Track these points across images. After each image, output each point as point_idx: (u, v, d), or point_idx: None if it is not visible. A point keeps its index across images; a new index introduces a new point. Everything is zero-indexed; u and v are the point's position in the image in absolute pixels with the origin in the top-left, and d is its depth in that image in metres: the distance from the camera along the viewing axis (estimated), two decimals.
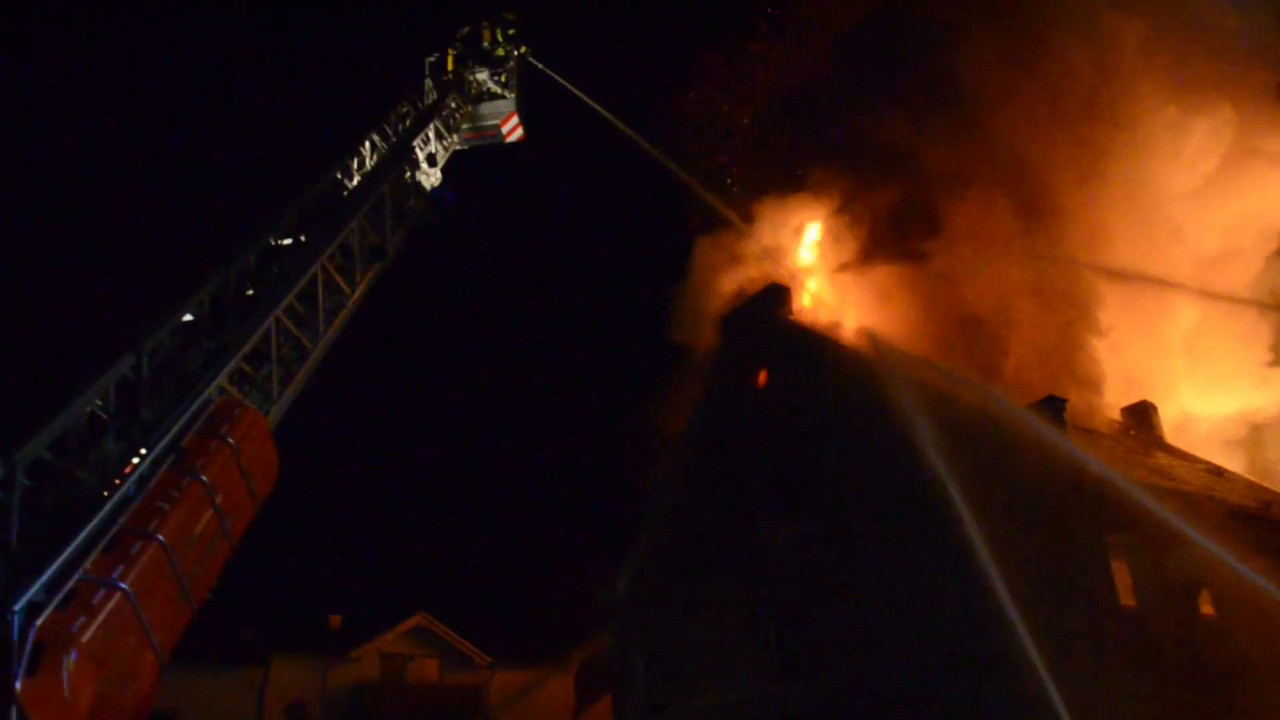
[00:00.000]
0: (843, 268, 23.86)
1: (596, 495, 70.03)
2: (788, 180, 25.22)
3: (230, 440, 8.68)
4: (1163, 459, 23.04)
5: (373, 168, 14.71)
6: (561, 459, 73.34)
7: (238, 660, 30.80)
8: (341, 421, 70.68)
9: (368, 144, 14.96)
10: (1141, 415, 24.96)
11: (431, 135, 16.41)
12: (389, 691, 33.65)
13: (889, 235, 23.83)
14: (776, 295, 21.70)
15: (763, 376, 21.22)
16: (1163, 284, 27.16)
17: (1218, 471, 24.51)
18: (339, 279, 12.17)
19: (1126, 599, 16.40)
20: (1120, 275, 26.07)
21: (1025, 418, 16.00)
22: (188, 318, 10.08)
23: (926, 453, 16.73)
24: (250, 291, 11.16)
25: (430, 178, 16.19)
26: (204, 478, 8.24)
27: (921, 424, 16.83)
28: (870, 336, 19.26)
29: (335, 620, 36.37)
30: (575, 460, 70.23)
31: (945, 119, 24.58)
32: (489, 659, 35.36)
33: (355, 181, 14.28)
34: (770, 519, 20.37)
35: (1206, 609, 17.60)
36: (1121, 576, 16.39)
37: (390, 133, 15.78)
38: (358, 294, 12.53)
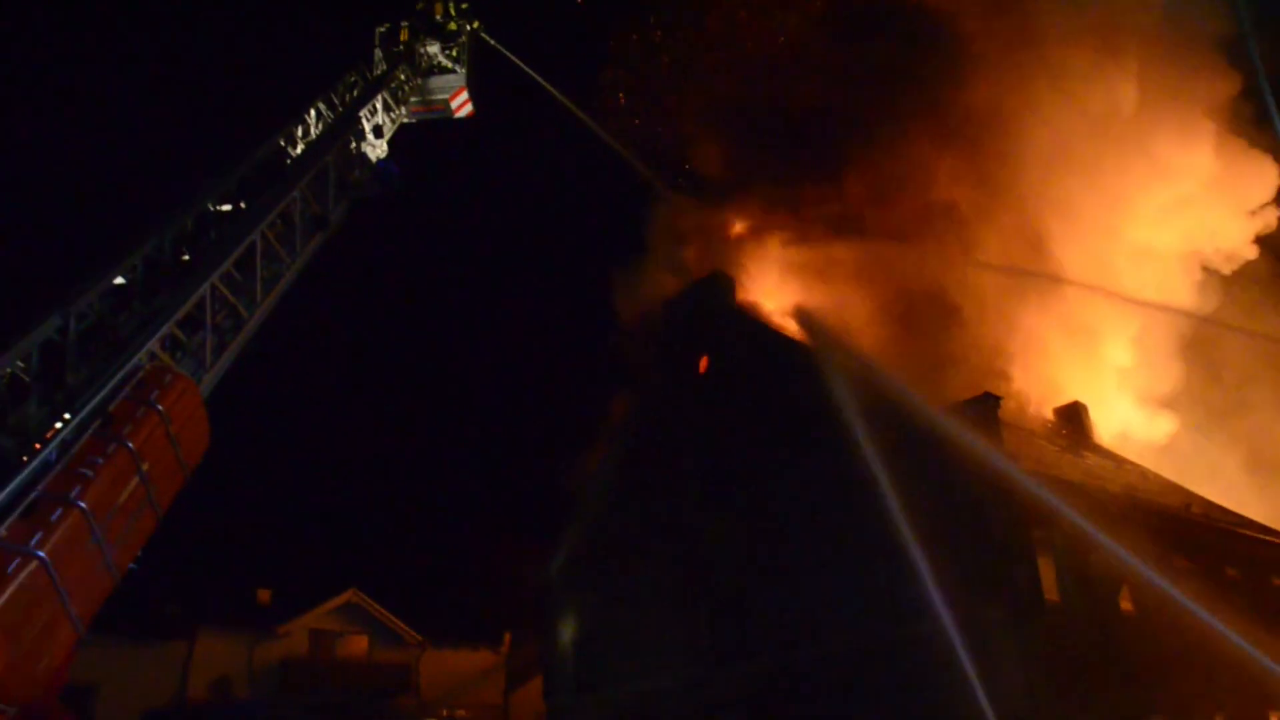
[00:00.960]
0: (790, 259, 24.02)
1: (533, 477, 69.96)
2: (740, 170, 25.34)
3: (159, 407, 8.47)
4: (1091, 459, 23.60)
5: (317, 137, 14.48)
6: (498, 440, 73.09)
7: (161, 633, 30.14)
8: (276, 392, 69.52)
9: (313, 112, 14.72)
10: (1073, 416, 25.53)
11: (379, 107, 16.19)
12: (317, 668, 33.24)
13: (838, 230, 24.06)
14: (720, 283, 21.78)
15: (704, 363, 21.31)
16: (1103, 291, 27.80)
17: (1142, 473, 25.21)
18: (279, 248, 11.96)
19: (1050, 594, 16.76)
20: (1064, 281, 26.64)
21: (957, 414, 16.23)
22: (119, 281, 9.83)
23: (859, 445, 16.97)
24: (186, 257, 10.94)
25: (376, 150, 15.99)
26: (130, 444, 8.02)
27: (855, 417, 17.05)
28: (807, 323, 19.42)
29: (264, 595, 35.78)
30: (511, 441, 70.01)
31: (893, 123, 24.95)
32: (420, 637, 35.11)
33: (299, 150, 14.05)
34: (707, 506, 20.51)
35: (1126, 605, 18.08)
36: (1046, 572, 16.74)
37: (337, 102, 15.55)
38: (297, 264, 12.33)
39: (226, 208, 11.99)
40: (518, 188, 79.20)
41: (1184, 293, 29.39)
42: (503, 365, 74.62)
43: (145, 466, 8.20)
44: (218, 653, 31.04)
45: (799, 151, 25.03)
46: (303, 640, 33.58)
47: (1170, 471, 26.66)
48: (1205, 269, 29.52)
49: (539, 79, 21.13)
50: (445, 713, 32.91)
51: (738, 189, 24.49)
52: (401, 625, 35.15)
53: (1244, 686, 18.10)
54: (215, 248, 10.98)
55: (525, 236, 76.01)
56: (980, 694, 15.06)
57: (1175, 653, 17.31)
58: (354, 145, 15.08)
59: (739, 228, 24.58)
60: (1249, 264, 30.12)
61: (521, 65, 20.49)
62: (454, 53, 18.22)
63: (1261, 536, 23.83)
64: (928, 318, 22.66)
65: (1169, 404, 29.34)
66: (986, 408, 16.43)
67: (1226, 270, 29.75)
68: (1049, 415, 25.24)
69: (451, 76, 18.18)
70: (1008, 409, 17.45)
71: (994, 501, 15.54)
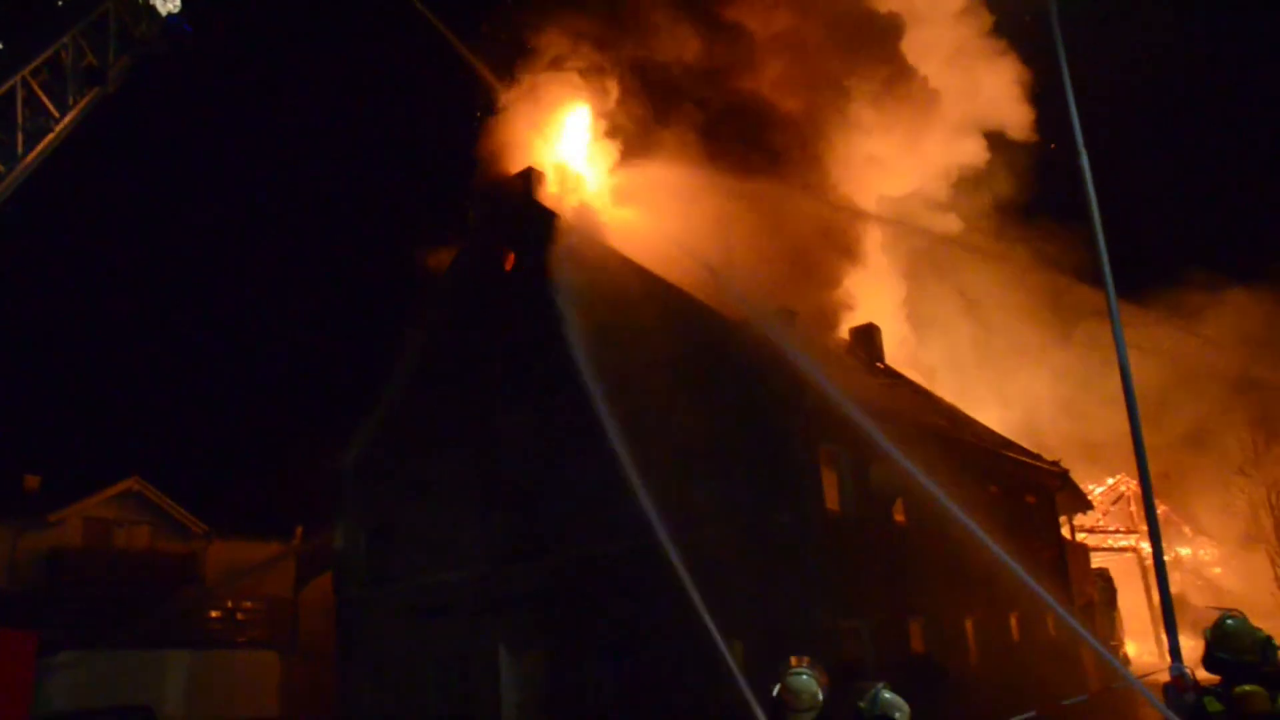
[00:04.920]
0: (612, 162, 23.78)
1: (329, 364, 67.90)
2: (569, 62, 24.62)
3: None
4: (879, 379, 24.89)
5: None
6: (294, 324, 70.38)
7: None
8: (55, 263, 64.25)
9: None
10: (867, 337, 26.78)
11: None
12: (92, 558, 31.49)
13: (662, 139, 23.90)
14: (529, 179, 21.36)
15: (510, 259, 20.97)
16: (908, 226, 29.05)
17: (925, 394, 26.85)
18: (45, 99, 10.78)
19: (831, 504, 17.70)
20: (874, 216, 27.64)
21: (754, 325, 16.60)
22: None
23: (654, 352, 17.20)
24: None
25: (168, 3, 14.56)
26: None
27: (652, 325, 17.23)
28: (589, 222, 19.41)
29: (32, 481, 33.52)
30: (308, 325, 67.52)
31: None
32: (206, 528, 33.80)
33: None
34: (505, 403, 20.42)
35: (899, 516, 19.34)
36: (829, 483, 17.64)
37: None
38: (68, 120, 11.16)
39: None
40: (333, 59, 75.06)
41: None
42: (306, 247, 71.48)
43: None
44: None
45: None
46: (77, 529, 31.70)
47: (948, 394, 28.56)
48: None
49: None
50: (231, 604, 31.96)
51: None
52: (186, 515, 33.73)
53: (993, 592, 19.85)
54: None
55: (339, 113, 72.29)
56: (760, 595, 15.85)
57: (938, 561, 18.73)
58: None
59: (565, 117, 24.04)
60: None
61: None
62: None
63: (1020, 458, 25.96)
64: (739, 236, 23.03)
65: (950, 333, 31.34)
66: (783, 322, 16.90)
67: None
68: (844, 335, 26.37)
69: None
70: (804, 324, 18.02)
71: (784, 414, 16.11)
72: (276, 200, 77.34)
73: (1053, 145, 31.67)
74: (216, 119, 74.58)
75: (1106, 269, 11.14)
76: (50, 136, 10.72)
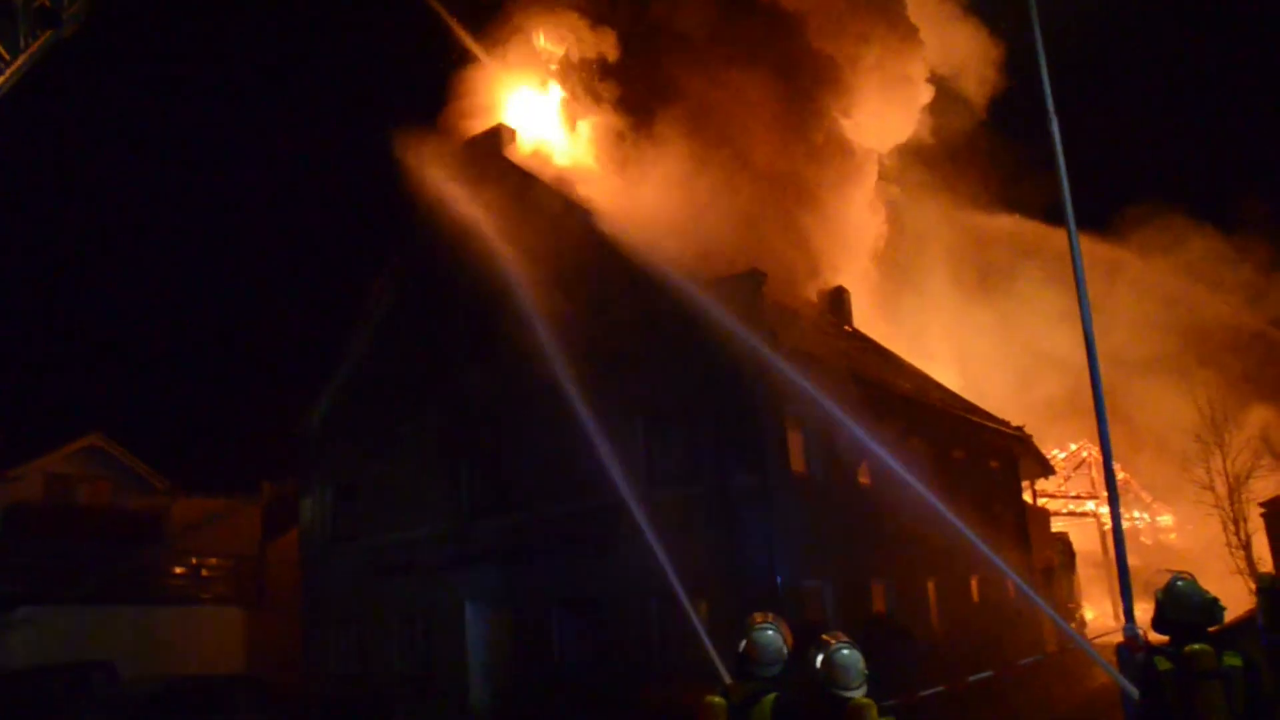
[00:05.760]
0: (582, 120, 23.52)
1: (295, 322, 67.29)
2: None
3: None
4: (848, 343, 24.95)
5: None
6: (260, 280, 69.62)
7: None
8: (16, 216, 63.01)
9: None
10: (836, 299, 26.82)
11: None
12: (53, 514, 31.16)
13: (634, 100, 23.65)
14: (499, 136, 21.11)
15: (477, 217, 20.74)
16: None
17: (892, 358, 26.97)
18: None
19: (797, 466, 17.79)
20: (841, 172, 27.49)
21: (722, 289, 16.53)
22: None
23: (621, 311, 17.12)
24: None
25: None
26: None
27: (619, 284, 17.13)
28: (556, 181, 19.24)
29: None
30: (275, 282, 66.81)
31: None
32: (170, 484, 33.52)
33: None
34: (471, 361, 20.31)
35: (864, 479, 19.47)
36: (795, 445, 17.72)
37: None
38: (18, 64, 10.80)
39: None
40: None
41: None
42: (273, 203, 70.52)
43: None
44: None
45: None
46: (37, 485, 31.35)
47: (916, 359, 28.71)
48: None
49: None
50: (195, 561, 31.78)
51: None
52: (150, 471, 33.40)
53: (954, 556, 20.09)
54: None
55: (311, 64, 71.05)
56: (725, 555, 15.94)
57: (902, 524, 18.90)
58: None
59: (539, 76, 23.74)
60: None
61: None
62: None
63: (985, 423, 26.19)
64: (709, 198, 22.89)
65: (919, 294, 31.48)
66: (752, 283, 16.85)
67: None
68: (814, 297, 26.38)
69: None
70: (774, 287, 17.98)
71: (751, 376, 16.12)
72: (242, 154, 76.06)
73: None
74: (177, 66, 73.09)
75: (1074, 243, 11.11)
76: (0, 79, 10.40)
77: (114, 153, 72.43)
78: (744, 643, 5.81)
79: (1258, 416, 34.95)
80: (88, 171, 70.38)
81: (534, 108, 23.21)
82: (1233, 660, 5.47)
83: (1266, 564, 29.14)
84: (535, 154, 21.65)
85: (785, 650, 5.82)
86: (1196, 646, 5.53)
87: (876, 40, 27.73)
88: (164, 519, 33.20)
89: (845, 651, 5.66)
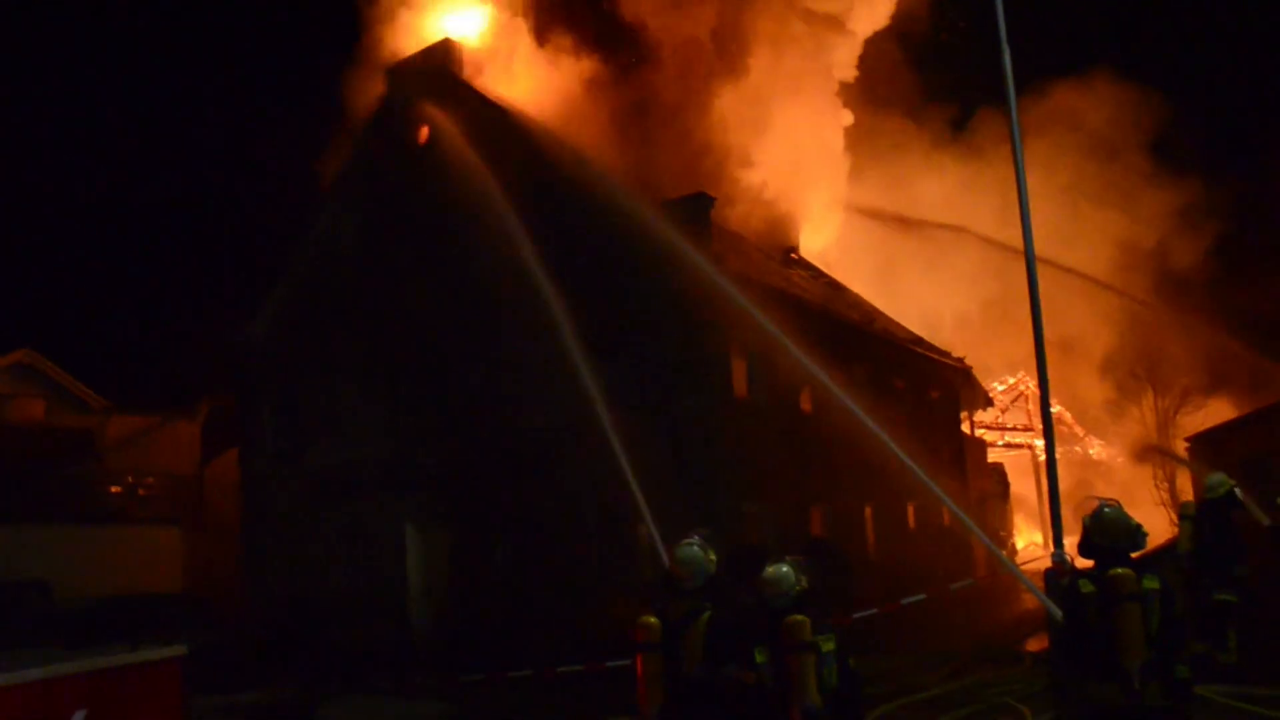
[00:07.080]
0: (535, 40, 23.03)
1: (236, 235, 65.68)
2: None
3: None
4: (793, 270, 25.01)
5: None
6: (199, 190, 67.71)
7: None
8: None
9: None
10: (784, 226, 26.77)
11: None
12: None
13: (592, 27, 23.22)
14: (446, 51, 20.55)
15: (424, 133, 20.26)
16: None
17: (836, 286, 27.10)
18: None
19: (740, 390, 17.89)
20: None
21: (670, 211, 16.39)
22: None
23: (568, 234, 16.92)
24: None
25: None
26: None
27: (568, 205, 16.89)
28: (503, 97, 18.85)
29: None
30: (214, 193, 65.00)
31: None
32: (105, 402, 32.89)
33: None
34: (415, 280, 19.98)
35: (805, 405, 19.67)
36: (738, 370, 17.80)
37: None
38: None
39: None
40: None
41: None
42: (216, 114, 68.30)
43: None
44: None
45: None
46: None
47: (860, 287, 28.87)
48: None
49: None
50: (132, 479, 31.35)
51: None
52: (84, 388, 32.79)
53: (892, 482, 20.43)
54: None
55: None
56: (666, 477, 16.03)
57: (841, 450, 19.15)
58: None
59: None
60: None
61: None
62: None
63: (927, 353, 26.55)
64: (658, 121, 22.59)
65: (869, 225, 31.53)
66: (699, 207, 16.73)
67: None
68: (761, 224, 26.30)
69: None
70: (720, 212, 17.88)
71: (695, 300, 16.07)
72: (186, 65, 73.32)
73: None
74: None
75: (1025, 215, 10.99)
76: None
77: (41, 57, 69.42)
78: (668, 560, 5.87)
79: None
80: (11, 74, 67.50)
81: (475, 23, 22.63)
82: (1151, 584, 5.63)
83: (1189, 495, 30.11)
84: (482, 71, 21.11)
85: (708, 565, 5.88)
86: (1119, 570, 5.69)
87: None
88: (100, 437, 32.60)
89: (781, 568, 5.75)
